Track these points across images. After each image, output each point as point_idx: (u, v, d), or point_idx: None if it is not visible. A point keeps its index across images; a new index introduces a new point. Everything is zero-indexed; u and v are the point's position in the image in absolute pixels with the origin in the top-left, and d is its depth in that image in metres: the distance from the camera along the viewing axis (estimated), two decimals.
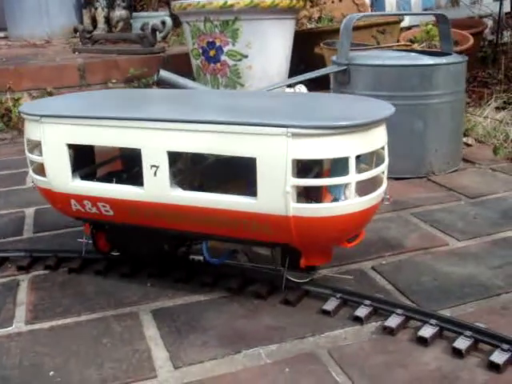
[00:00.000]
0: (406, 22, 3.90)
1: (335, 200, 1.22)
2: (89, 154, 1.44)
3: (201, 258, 1.35)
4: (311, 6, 3.35)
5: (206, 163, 1.44)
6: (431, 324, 1.18)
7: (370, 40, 2.86)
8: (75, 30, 4.11)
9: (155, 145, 1.19)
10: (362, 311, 1.24)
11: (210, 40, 3.04)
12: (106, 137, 1.25)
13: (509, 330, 1.17)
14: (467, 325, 1.16)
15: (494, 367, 1.08)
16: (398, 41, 3.33)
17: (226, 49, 3.02)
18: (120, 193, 1.27)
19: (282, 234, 1.19)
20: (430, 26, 3.49)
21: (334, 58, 2.15)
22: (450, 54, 2.14)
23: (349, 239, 1.27)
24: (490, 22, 4.10)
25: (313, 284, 1.33)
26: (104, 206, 1.29)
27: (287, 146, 1.09)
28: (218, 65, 3.06)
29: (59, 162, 1.30)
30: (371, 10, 3.68)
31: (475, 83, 3.58)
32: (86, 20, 4.79)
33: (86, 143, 1.30)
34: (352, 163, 1.12)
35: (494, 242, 1.61)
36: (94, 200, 1.30)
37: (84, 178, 1.34)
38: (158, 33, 3.70)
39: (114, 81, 3.43)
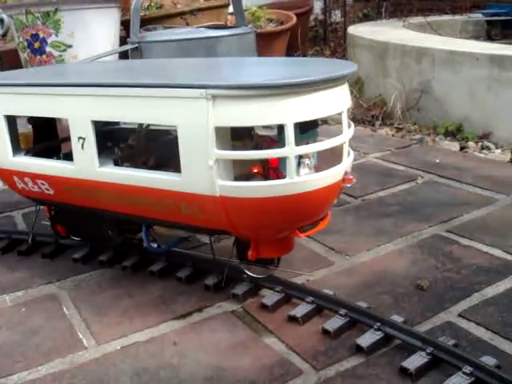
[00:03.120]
0: None
1: None
2: (50, 128, 1.37)
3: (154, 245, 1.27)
4: None
5: (163, 140, 1.28)
6: (189, 266, 1.27)
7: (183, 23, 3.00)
8: None
9: (80, 114, 1.09)
10: (106, 256, 1.35)
11: (34, 32, 3.08)
12: (36, 106, 1.16)
13: None
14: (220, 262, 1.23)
15: (235, 297, 1.19)
16: (225, 23, 3.47)
17: (49, 40, 3.08)
18: (54, 169, 1.18)
19: (213, 219, 1.02)
20: (255, 9, 3.66)
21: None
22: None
23: (302, 228, 1.06)
24: (319, 3, 4.31)
25: (67, 238, 1.43)
26: (43, 184, 1.22)
27: (208, 112, 0.92)
28: (44, 56, 3.11)
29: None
30: None
31: None
32: None
33: (21, 114, 1.23)
34: (289, 132, 0.91)
35: None
36: (33, 177, 1.22)
37: (44, 154, 1.27)
38: None
39: None
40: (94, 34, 3.13)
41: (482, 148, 2.18)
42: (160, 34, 2.19)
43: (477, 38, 3.62)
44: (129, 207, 1.13)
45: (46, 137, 1.35)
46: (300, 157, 0.98)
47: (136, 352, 1.04)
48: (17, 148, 1.25)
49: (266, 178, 1.08)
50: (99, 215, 1.22)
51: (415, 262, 1.30)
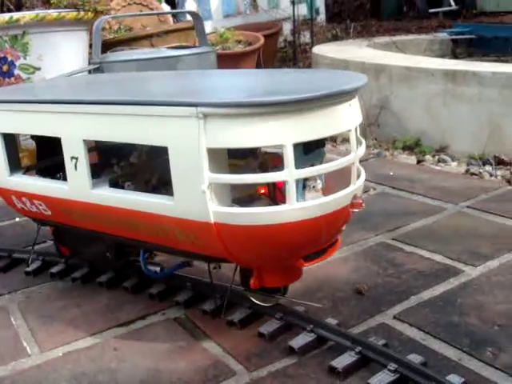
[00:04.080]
0: (208, 28, 4.12)
1: None
2: (54, 145, 1.22)
3: (157, 269, 1.22)
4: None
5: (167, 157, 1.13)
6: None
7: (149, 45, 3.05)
8: None
9: (72, 132, 1.03)
10: (56, 268, 1.37)
11: (2, 55, 3.12)
12: (30, 125, 1.12)
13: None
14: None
15: (151, 297, 1.24)
16: (194, 44, 3.53)
17: (18, 63, 3.11)
18: (50, 189, 1.13)
19: (209, 246, 0.95)
20: (223, 31, 3.73)
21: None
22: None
23: (307, 257, 0.97)
24: (289, 25, 4.38)
25: (20, 251, 1.45)
26: (40, 205, 1.17)
27: (199, 131, 0.84)
28: (12, 79, 3.14)
29: None
30: (173, 19, 3.87)
31: None
32: None
33: (15, 132, 1.18)
34: (289, 153, 0.83)
35: None
36: (30, 197, 1.17)
37: (47, 171, 1.25)
38: None
39: None
40: (62, 57, 3.16)
41: (439, 161, 2.23)
42: (121, 54, 2.23)
43: (442, 56, 3.69)
44: (124, 230, 1.07)
45: (49, 153, 1.28)
46: (305, 179, 0.92)
47: (77, 358, 1.07)
48: (15, 166, 1.21)
49: (273, 199, 1.01)
50: (98, 237, 1.18)
51: (358, 268, 1.34)
